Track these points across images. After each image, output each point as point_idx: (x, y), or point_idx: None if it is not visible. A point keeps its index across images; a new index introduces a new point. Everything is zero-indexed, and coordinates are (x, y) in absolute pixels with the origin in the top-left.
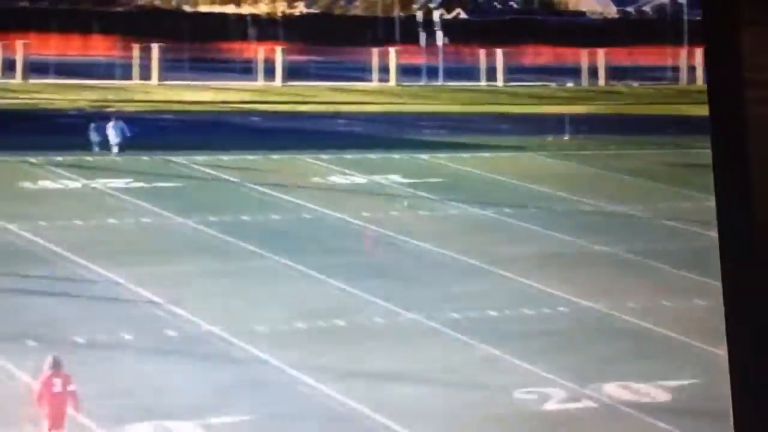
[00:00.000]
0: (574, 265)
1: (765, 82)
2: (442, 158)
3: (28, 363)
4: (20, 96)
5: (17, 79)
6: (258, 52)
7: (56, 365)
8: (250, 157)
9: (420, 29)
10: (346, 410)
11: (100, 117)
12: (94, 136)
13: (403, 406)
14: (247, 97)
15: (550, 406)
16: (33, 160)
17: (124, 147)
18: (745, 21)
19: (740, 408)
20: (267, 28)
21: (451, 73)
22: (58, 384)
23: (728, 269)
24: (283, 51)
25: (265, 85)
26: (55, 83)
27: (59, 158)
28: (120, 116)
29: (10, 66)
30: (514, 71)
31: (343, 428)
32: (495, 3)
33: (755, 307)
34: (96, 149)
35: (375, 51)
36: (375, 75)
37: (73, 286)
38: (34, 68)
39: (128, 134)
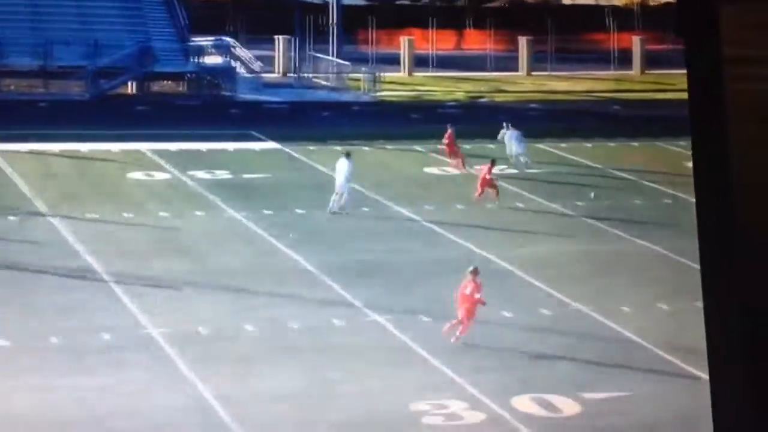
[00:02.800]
0: None
1: (745, 58)
2: None
3: (419, 335)
4: (405, 88)
5: (402, 73)
6: (616, 42)
7: (474, 273)
8: (611, 144)
9: None
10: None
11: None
12: (510, 149)
13: None
14: (607, 86)
15: None
16: (419, 148)
17: (526, 155)
18: None
19: (720, 414)
20: (625, 18)
21: None
22: (469, 288)
23: (706, 259)
24: (642, 41)
25: (623, 74)
26: (434, 76)
27: (441, 146)
28: (510, 125)
29: (395, 60)
30: None
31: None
32: None
33: (735, 296)
34: (521, 160)
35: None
36: None
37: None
38: (416, 62)
39: (524, 142)
